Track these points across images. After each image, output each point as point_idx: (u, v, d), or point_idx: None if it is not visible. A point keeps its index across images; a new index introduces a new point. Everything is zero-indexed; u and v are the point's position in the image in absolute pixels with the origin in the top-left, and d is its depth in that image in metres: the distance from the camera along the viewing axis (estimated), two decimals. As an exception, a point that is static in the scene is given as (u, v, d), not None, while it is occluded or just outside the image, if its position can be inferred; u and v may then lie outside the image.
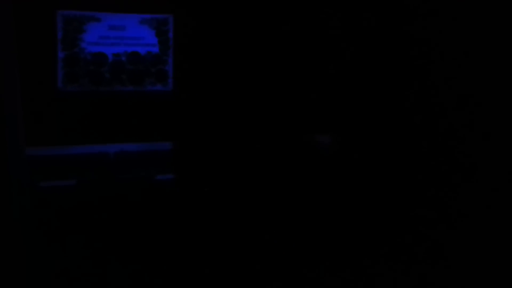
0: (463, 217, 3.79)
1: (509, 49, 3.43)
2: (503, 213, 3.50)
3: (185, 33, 4.21)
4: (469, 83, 3.72)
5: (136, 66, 4.16)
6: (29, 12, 3.79)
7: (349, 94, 4.62)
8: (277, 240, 4.25)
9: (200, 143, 4.31)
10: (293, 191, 4.55)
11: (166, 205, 4.19)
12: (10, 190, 3.30)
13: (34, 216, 3.60)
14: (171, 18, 4.20)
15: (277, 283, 3.86)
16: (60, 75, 3.99)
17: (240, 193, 4.36)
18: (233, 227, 4.23)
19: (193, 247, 4.03)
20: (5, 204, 3.25)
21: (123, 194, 4.09)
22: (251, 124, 4.45)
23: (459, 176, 3.84)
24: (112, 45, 4.08)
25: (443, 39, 3.95)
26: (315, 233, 4.39)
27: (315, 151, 4.49)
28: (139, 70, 4.17)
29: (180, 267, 3.85)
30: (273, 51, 4.44)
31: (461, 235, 3.78)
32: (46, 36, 3.91)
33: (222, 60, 4.31)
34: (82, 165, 4.06)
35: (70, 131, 4.01)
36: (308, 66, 4.54)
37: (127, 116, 4.17)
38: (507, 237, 3.47)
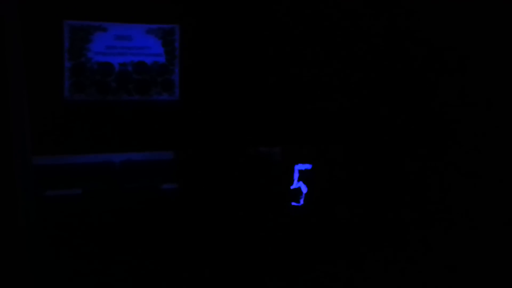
0: (465, 219, 3.79)
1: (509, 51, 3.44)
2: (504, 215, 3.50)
3: (192, 43, 4.22)
4: (476, 90, 3.72)
5: (143, 75, 4.17)
6: (36, 22, 3.81)
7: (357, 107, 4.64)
8: (278, 244, 4.24)
9: (207, 152, 4.30)
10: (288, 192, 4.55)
11: (172, 214, 4.17)
12: (16, 199, 3.28)
13: (39, 224, 3.59)
14: (177, 28, 4.21)
15: (277, 284, 3.85)
16: (66, 85, 4.00)
17: (246, 199, 4.35)
18: (235, 233, 4.22)
19: (198, 255, 4.01)
20: (12, 212, 3.23)
21: (128, 203, 4.08)
22: (259, 133, 4.46)
23: (462, 179, 3.85)
24: (118, 55, 4.09)
25: (447, 46, 3.97)
26: (315, 234, 4.38)
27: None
28: (146, 80, 4.18)
29: (185, 274, 3.83)
30: (279, 60, 4.45)
31: (462, 236, 3.77)
32: (53, 46, 3.93)
33: (228, 69, 4.32)
34: (88, 175, 4.05)
35: (76, 141, 4.01)
36: (314, 74, 4.57)
37: (133, 126, 4.17)
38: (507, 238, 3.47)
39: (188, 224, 4.19)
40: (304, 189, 4.50)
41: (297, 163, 4.49)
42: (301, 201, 4.52)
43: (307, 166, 4.49)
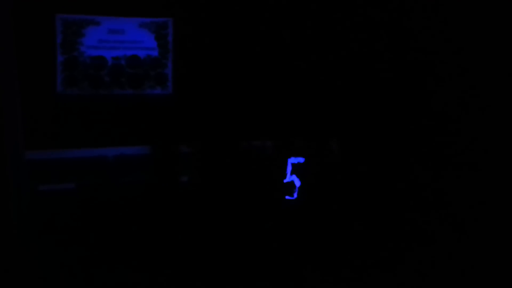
0: (464, 218, 3.81)
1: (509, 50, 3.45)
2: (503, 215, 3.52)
3: (185, 36, 4.21)
4: (473, 88, 3.73)
5: (136, 69, 4.16)
6: (28, 16, 3.78)
7: (354, 101, 4.65)
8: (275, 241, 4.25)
9: (200, 146, 4.31)
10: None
11: (165, 207, 4.19)
12: (9, 194, 3.29)
13: (33, 219, 3.59)
14: (170, 21, 4.20)
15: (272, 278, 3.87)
16: (59, 79, 3.99)
17: (243, 195, 4.36)
18: (229, 227, 4.23)
19: (191, 249, 4.03)
20: (4, 207, 3.24)
21: (122, 197, 4.09)
22: (252, 126, 4.46)
23: (461, 177, 3.86)
24: (111, 49, 4.08)
25: (445, 45, 3.97)
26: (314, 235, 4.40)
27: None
28: (139, 74, 4.17)
29: (180, 267, 3.85)
30: (272, 54, 4.45)
31: (462, 235, 3.79)
32: (45, 40, 3.91)
33: (221, 63, 4.31)
34: (81, 169, 4.05)
35: (69, 135, 4.00)
36: (309, 71, 4.56)
37: (126, 120, 4.17)
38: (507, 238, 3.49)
39: (181, 218, 4.21)
40: (298, 183, 4.51)
41: (290, 157, 4.51)
42: (295, 195, 4.54)
43: (300, 160, 4.51)
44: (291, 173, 4.52)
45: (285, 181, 4.52)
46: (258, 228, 4.31)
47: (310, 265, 4.05)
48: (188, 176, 4.31)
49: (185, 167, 4.29)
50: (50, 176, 3.94)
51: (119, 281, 3.68)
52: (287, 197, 4.53)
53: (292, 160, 4.51)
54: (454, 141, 3.94)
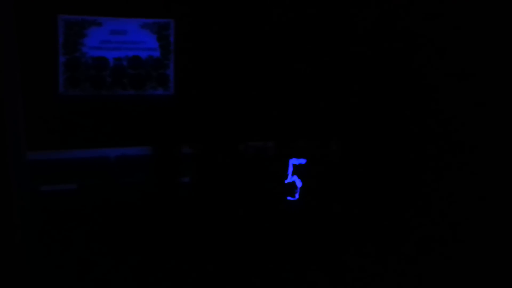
0: (463, 217, 3.80)
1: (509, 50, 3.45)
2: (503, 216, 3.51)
3: (186, 37, 4.22)
4: (473, 89, 3.73)
5: (137, 70, 4.16)
6: (30, 17, 3.79)
7: (354, 103, 4.65)
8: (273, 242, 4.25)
9: (202, 147, 4.32)
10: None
11: (167, 208, 4.19)
12: (11, 195, 3.28)
13: (35, 220, 3.59)
14: (172, 22, 4.20)
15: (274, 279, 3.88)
16: (61, 80, 3.99)
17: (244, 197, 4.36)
18: (230, 227, 4.23)
19: (193, 250, 4.03)
20: (6, 208, 3.23)
21: (124, 198, 4.09)
22: (254, 127, 4.47)
23: (459, 176, 3.86)
24: (113, 50, 4.08)
25: (445, 46, 3.97)
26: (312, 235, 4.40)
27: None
28: (140, 74, 4.17)
29: (181, 268, 3.86)
30: (274, 56, 4.45)
31: (462, 234, 3.79)
32: (47, 41, 3.92)
33: (223, 64, 4.32)
34: (83, 170, 4.05)
35: (71, 136, 4.01)
36: (311, 72, 4.57)
37: (128, 120, 4.17)
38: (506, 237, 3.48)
39: (182, 220, 4.21)
40: (299, 184, 4.51)
41: (291, 158, 4.51)
42: (296, 196, 4.54)
43: (302, 161, 4.51)
44: (293, 174, 4.52)
45: (286, 182, 4.52)
46: (259, 228, 4.31)
47: (312, 266, 4.05)
48: (190, 177, 4.31)
49: (187, 168, 4.29)
50: (52, 177, 3.94)
51: (121, 282, 3.68)
52: (288, 198, 4.53)
53: (293, 161, 4.51)
54: (455, 142, 3.94)
